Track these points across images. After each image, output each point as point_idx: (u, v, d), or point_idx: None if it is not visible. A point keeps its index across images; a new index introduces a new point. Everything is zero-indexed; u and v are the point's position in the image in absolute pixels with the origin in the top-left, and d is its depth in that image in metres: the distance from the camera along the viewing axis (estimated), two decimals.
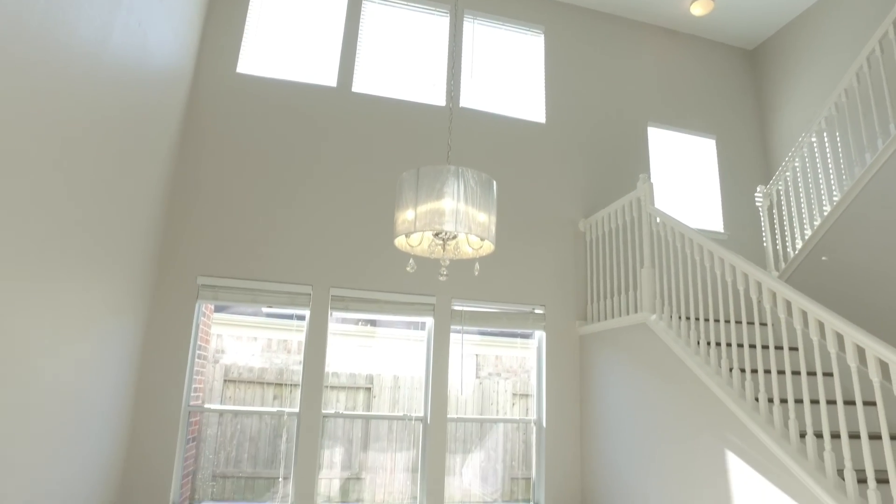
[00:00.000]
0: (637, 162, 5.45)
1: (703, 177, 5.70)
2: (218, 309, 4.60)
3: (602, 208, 5.03)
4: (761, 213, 5.12)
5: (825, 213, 4.22)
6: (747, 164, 5.84)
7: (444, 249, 2.44)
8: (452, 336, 4.60)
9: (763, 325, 4.32)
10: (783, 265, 4.70)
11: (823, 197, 4.37)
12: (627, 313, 4.20)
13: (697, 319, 4.23)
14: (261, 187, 4.46)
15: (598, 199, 5.20)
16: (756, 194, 5.23)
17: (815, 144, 4.61)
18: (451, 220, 2.24)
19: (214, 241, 4.27)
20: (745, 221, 5.62)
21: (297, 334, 4.46)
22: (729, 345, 3.90)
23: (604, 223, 4.73)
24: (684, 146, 5.75)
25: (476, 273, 2.47)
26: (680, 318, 3.79)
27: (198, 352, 4.21)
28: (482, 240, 2.43)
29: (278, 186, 4.49)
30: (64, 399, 2.83)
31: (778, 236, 4.84)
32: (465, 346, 4.72)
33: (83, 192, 2.80)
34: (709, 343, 3.76)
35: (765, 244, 4.97)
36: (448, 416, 4.46)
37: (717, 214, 5.61)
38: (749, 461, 2.96)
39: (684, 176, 5.65)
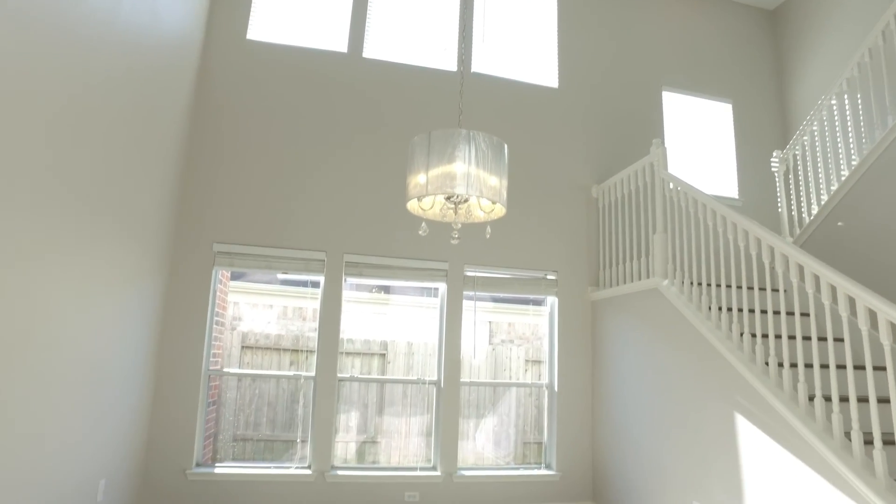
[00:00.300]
0: (651, 127, 5.38)
1: (718, 142, 5.62)
2: (234, 277, 4.68)
3: (615, 174, 4.99)
4: (777, 179, 5.05)
5: (843, 178, 4.16)
6: (764, 129, 5.74)
7: (455, 213, 2.46)
8: (465, 302, 4.65)
9: (775, 290, 4.31)
10: (798, 231, 4.65)
11: (841, 161, 4.30)
12: (639, 279, 4.21)
13: (709, 285, 4.23)
14: (273, 154, 4.48)
15: (611, 165, 5.16)
16: (772, 159, 5.15)
17: (834, 107, 4.51)
18: (463, 184, 2.25)
19: (229, 208, 4.32)
20: (760, 187, 5.55)
21: (311, 301, 4.54)
22: (741, 310, 3.91)
23: (617, 189, 4.70)
24: (700, 111, 5.65)
25: (488, 236, 2.49)
26: (692, 283, 3.80)
27: (216, 318, 4.30)
28: (494, 203, 2.44)
29: (291, 153, 4.51)
30: (90, 364, 2.92)
31: (793, 202, 4.78)
32: (478, 314, 4.77)
33: (99, 158, 2.84)
34: (720, 308, 3.77)
35: (780, 210, 4.91)
36: (461, 380, 4.54)
37: (732, 180, 5.54)
38: (759, 424, 3.00)
39: (699, 141, 5.57)
